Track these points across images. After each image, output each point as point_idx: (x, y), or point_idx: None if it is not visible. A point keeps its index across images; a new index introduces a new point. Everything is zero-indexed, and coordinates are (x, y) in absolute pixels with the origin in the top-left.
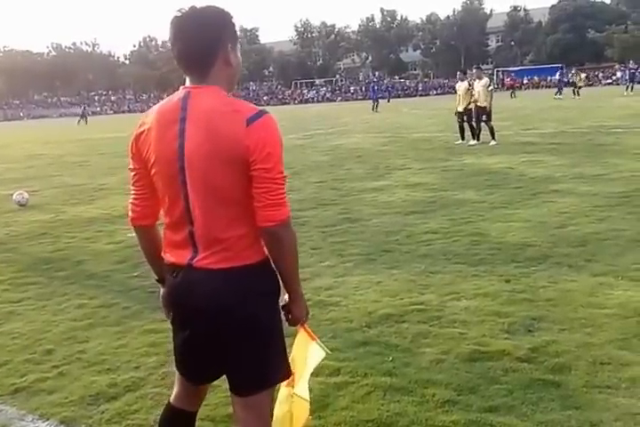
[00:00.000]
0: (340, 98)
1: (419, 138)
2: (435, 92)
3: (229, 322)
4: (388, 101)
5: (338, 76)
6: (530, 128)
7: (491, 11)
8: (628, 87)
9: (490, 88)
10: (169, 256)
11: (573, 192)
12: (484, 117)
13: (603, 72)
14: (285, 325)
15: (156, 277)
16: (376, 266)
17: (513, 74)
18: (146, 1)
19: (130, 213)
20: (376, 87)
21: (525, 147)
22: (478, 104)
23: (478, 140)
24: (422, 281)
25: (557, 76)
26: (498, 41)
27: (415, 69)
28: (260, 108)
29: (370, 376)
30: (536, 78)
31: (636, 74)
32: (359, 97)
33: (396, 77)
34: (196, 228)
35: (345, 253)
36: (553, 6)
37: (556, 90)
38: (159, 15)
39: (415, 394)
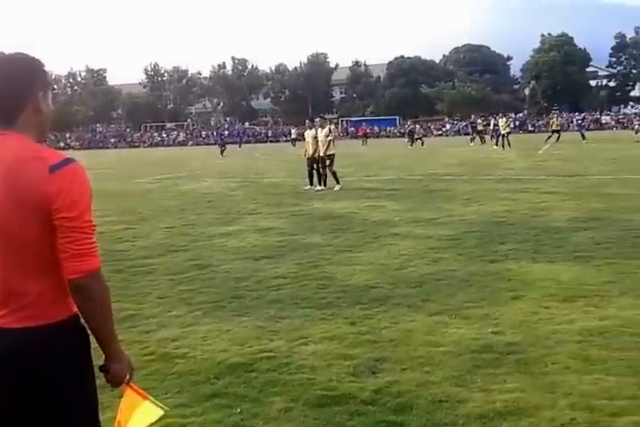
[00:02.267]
0: (191, 142)
1: (269, 183)
2: (284, 139)
3: (29, 389)
4: (240, 147)
5: (189, 120)
6: (371, 175)
7: (336, 65)
8: (472, 139)
9: (328, 138)
10: None
11: (410, 235)
12: (327, 163)
13: (434, 124)
14: (108, 385)
15: None
16: (225, 313)
17: (364, 123)
18: None
19: None
20: (224, 133)
21: (367, 192)
22: (323, 151)
23: (325, 185)
24: (271, 327)
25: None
26: (342, 92)
27: (266, 116)
28: (69, 156)
29: None
30: (376, 128)
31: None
32: (211, 142)
33: (247, 124)
34: None
35: (193, 301)
36: (390, 62)
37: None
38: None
39: None
